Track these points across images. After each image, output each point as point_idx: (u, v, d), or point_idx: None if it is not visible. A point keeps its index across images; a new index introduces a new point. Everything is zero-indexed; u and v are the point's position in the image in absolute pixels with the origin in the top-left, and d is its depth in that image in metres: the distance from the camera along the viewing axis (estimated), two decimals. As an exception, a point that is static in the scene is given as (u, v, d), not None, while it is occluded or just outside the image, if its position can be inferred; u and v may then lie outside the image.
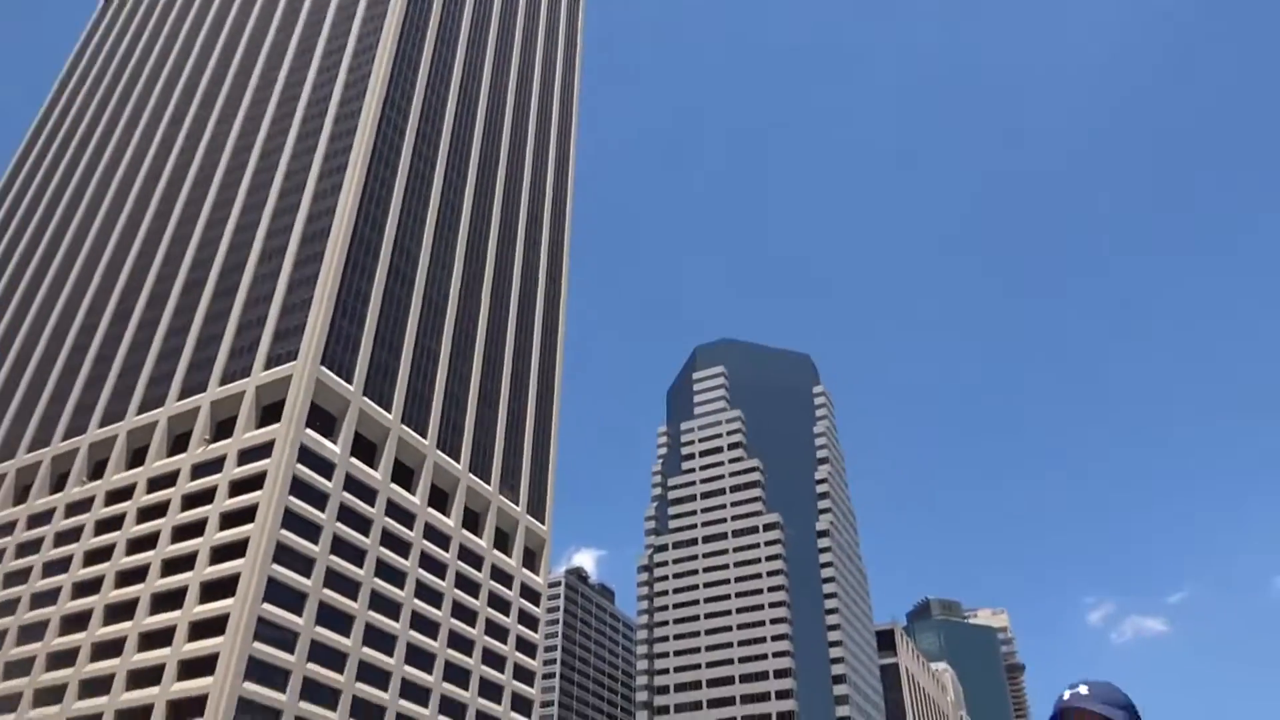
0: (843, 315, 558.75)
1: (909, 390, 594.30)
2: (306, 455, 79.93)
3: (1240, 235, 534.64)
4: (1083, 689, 2.45)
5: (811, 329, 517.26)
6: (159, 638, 73.39)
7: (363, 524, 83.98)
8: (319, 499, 79.89)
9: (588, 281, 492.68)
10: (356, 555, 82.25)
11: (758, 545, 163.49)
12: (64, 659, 77.14)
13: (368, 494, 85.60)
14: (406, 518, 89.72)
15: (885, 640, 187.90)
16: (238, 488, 78.60)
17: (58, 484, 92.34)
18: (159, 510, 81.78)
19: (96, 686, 73.73)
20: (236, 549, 74.57)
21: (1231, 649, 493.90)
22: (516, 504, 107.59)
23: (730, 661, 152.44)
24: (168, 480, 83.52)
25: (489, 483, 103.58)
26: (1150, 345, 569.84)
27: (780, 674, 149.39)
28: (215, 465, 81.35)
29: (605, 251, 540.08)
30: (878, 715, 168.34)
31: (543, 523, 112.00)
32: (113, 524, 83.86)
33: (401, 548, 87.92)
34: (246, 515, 76.05)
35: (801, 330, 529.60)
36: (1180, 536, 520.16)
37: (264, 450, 79.22)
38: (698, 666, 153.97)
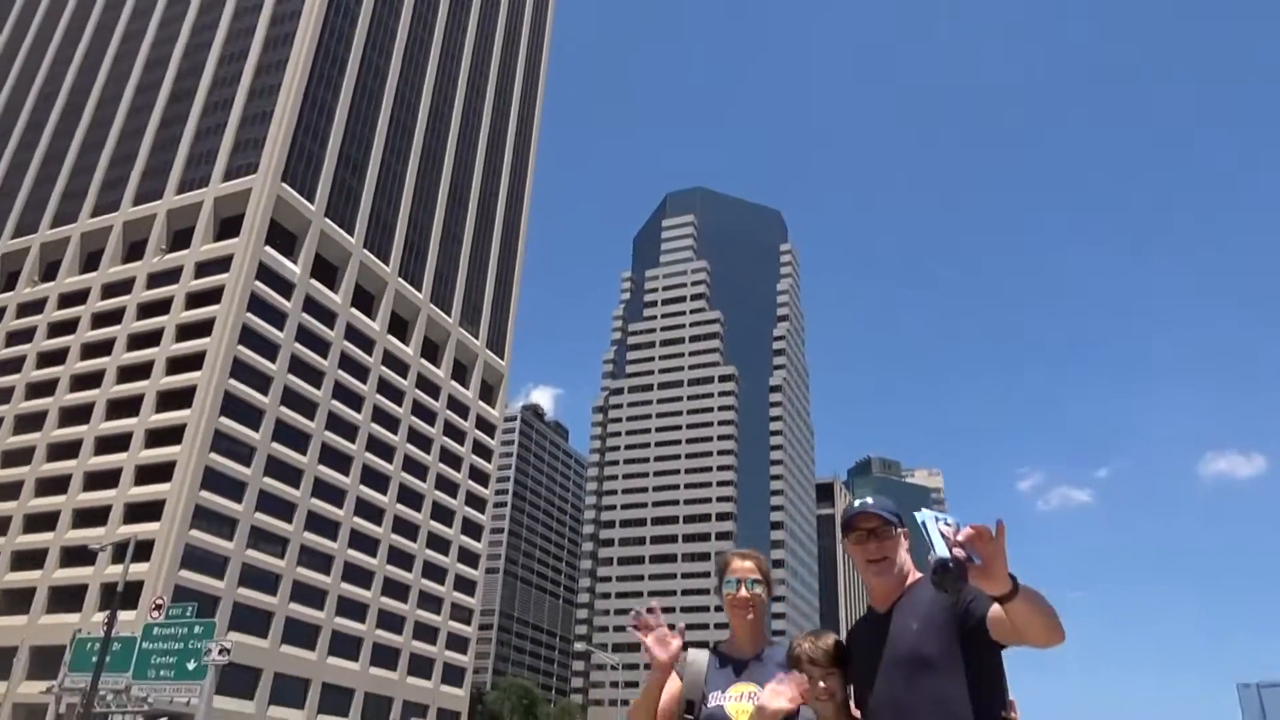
0: (815, 173, 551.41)
1: (872, 254, 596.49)
2: (265, 273, 78.80)
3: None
4: (869, 500, 2.92)
5: (783, 185, 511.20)
6: (115, 442, 74.00)
7: (321, 346, 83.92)
8: (277, 318, 79.35)
9: (561, 123, 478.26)
10: (314, 376, 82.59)
11: (711, 395, 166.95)
12: (19, 458, 77.70)
13: (327, 316, 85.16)
14: (365, 343, 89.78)
15: (825, 493, 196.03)
16: (195, 300, 77.69)
17: (7, 283, 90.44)
18: (114, 317, 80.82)
19: (52, 486, 74.72)
20: (193, 361, 74.39)
21: (1149, 524, 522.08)
22: (476, 338, 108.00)
23: (676, 503, 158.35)
24: (123, 288, 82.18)
25: (450, 315, 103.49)
26: (1107, 224, 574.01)
27: (722, 517, 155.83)
28: (172, 276, 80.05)
29: (581, 95, 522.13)
30: (810, 561, 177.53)
31: (502, 358, 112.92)
32: (66, 328, 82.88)
33: (360, 372, 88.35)
34: (203, 329, 75.50)
35: (773, 186, 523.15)
36: (1113, 412, 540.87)
37: (222, 264, 77.90)
38: (644, 505, 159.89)
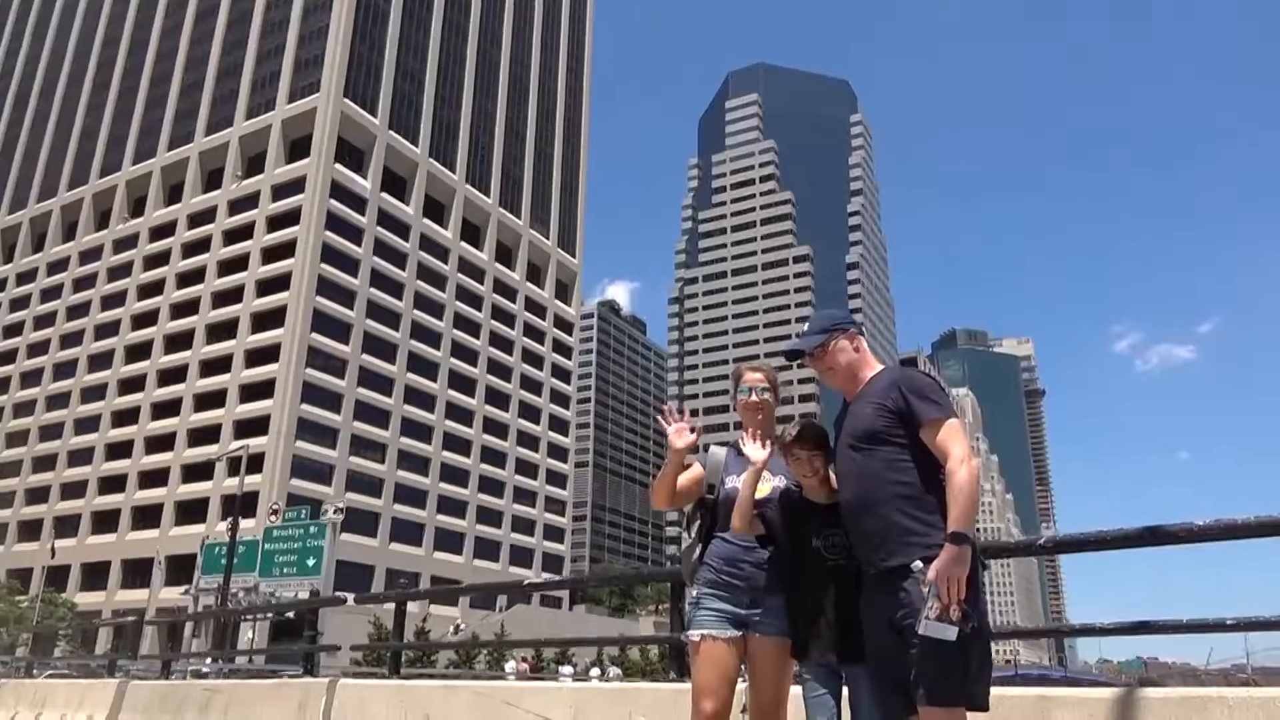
0: (882, 38, 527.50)
1: (948, 119, 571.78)
2: (338, 191, 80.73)
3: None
4: (794, 336, 3.34)
5: (849, 54, 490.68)
6: (217, 365, 78.28)
7: (398, 258, 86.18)
8: (354, 234, 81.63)
9: (615, 10, 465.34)
10: (394, 288, 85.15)
11: (786, 278, 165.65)
12: (133, 385, 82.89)
13: (401, 229, 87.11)
14: (440, 252, 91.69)
15: (908, 367, 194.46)
16: (275, 223, 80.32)
17: (101, 221, 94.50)
18: (201, 246, 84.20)
19: (165, 409, 79.76)
20: (280, 282, 77.47)
21: (1259, 379, 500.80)
22: (547, 238, 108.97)
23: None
24: (206, 216, 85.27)
25: (519, 217, 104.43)
26: (1190, 67, 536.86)
27: (804, 399, 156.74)
28: (251, 201, 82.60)
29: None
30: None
31: (574, 256, 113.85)
32: (159, 260, 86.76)
33: (437, 280, 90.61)
34: (287, 250, 78.25)
35: (839, 56, 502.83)
36: (1218, 265, 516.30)
37: (296, 186, 79.99)
38: (725, 393, 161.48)
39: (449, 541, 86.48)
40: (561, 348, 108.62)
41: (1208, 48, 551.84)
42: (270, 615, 39.85)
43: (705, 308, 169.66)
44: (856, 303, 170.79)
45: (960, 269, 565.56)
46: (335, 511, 34.68)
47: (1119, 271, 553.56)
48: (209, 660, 24.53)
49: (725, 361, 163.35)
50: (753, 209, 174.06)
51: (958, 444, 3.00)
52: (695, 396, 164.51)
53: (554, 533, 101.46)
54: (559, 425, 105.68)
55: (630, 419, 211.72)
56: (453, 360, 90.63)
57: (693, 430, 3.64)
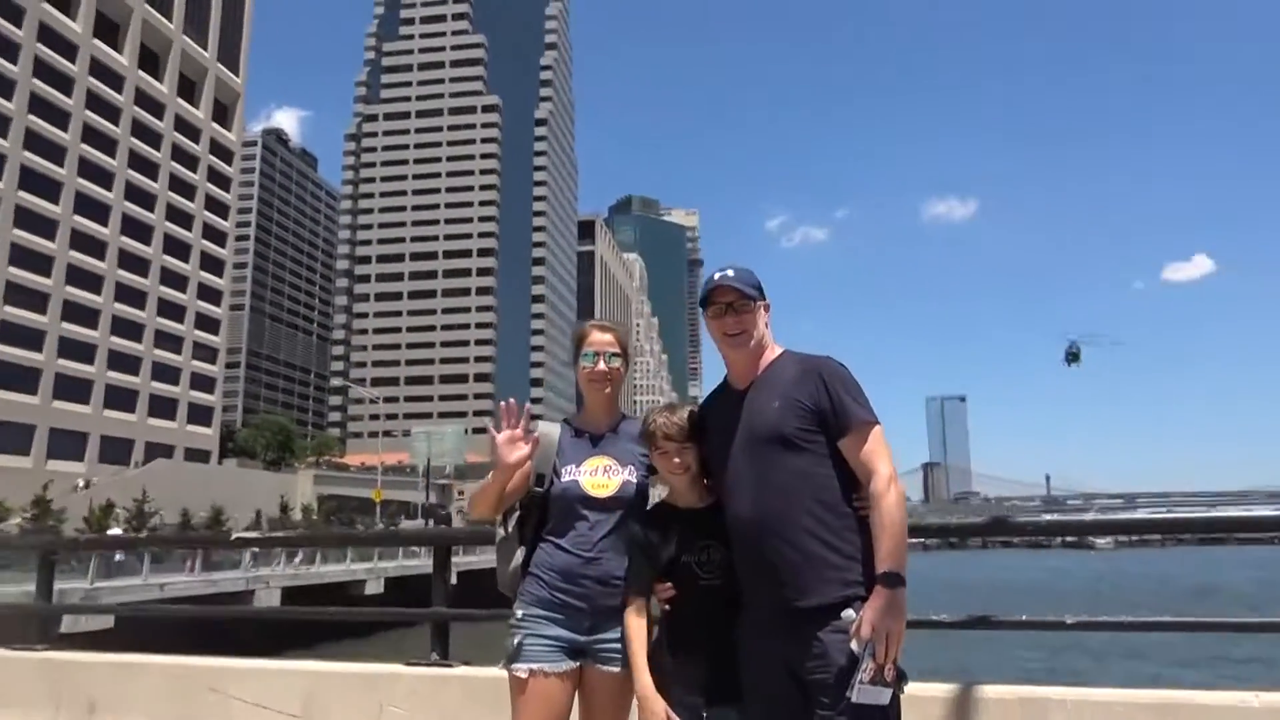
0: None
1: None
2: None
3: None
4: (730, 271, 2.75)
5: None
6: None
7: (7, 49, 70.68)
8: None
9: None
10: (3, 86, 70.16)
11: (474, 126, 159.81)
12: None
13: (11, 12, 71.10)
14: (65, 47, 76.46)
15: (586, 230, 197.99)
16: None
17: None
18: None
19: None
20: None
21: (877, 260, 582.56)
22: (205, 49, 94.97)
23: (435, 238, 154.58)
24: None
25: (170, 19, 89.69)
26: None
27: (484, 252, 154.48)
28: None
29: None
30: (570, 296, 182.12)
31: (236, 74, 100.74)
32: None
33: (61, 82, 75.81)
34: None
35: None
36: (854, 157, 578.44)
37: None
38: (402, 240, 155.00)
39: (74, 390, 75.64)
40: (218, 178, 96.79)
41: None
42: None
43: (385, 149, 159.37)
44: (542, 160, 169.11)
45: (640, 137, 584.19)
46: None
47: (778, 156, 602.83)
48: None
49: (404, 208, 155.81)
50: (443, 48, 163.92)
51: (885, 458, 2.54)
52: (369, 243, 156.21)
53: (203, 382, 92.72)
54: (213, 265, 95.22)
55: (295, 261, 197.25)
56: (80, 181, 77.30)
57: (528, 440, 2.85)
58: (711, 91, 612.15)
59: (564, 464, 2.93)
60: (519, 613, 2.85)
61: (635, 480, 2.91)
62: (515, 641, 2.81)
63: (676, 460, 2.77)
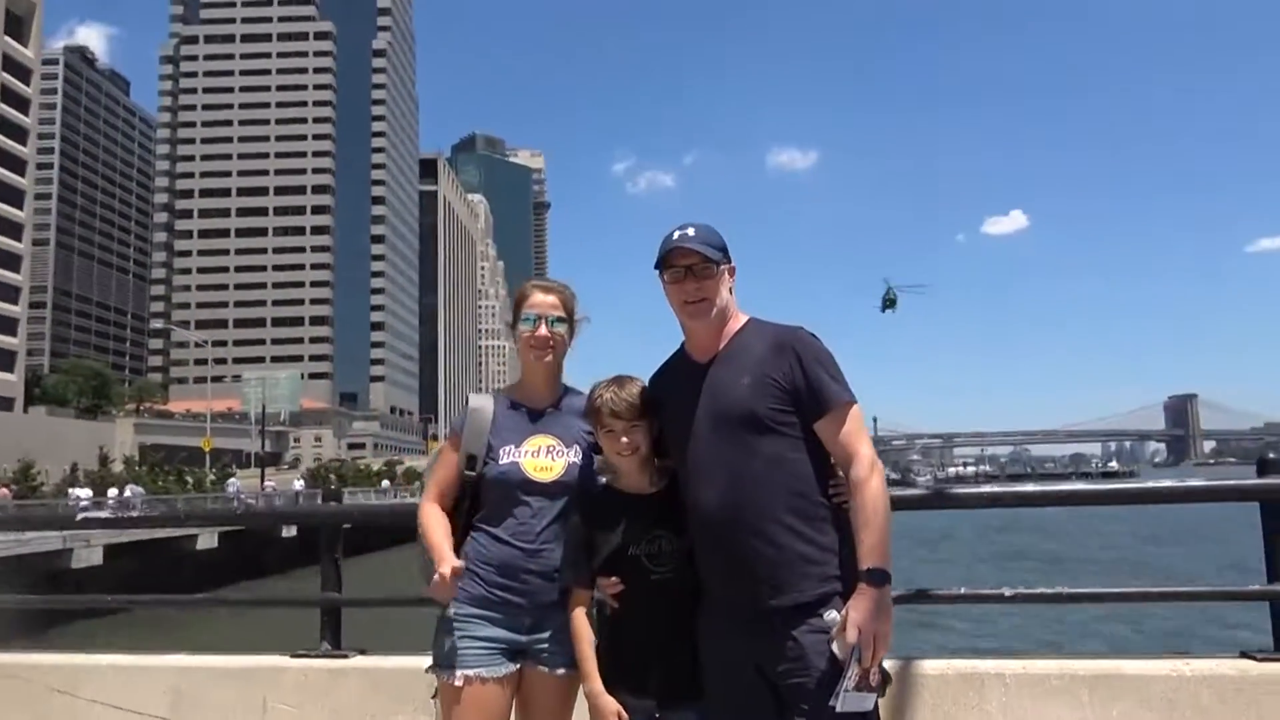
0: None
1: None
2: None
3: None
4: (690, 230, 2.48)
5: None
6: None
7: None
8: None
9: None
10: None
11: (306, 54, 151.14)
12: None
13: None
14: None
15: (428, 168, 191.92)
16: None
17: None
18: None
19: None
20: None
21: (723, 207, 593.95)
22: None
23: (266, 173, 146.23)
24: None
25: (-51, -85, 80.00)
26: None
27: (319, 190, 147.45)
28: None
29: None
30: (411, 237, 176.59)
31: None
32: None
33: None
34: None
35: None
36: (703, 101, 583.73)
37: None
38: (229, 174, 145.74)
39: None
40: (14, 98, 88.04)
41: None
42: None
43: (207, 74, 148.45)
44: (380, 94, 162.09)
45: (485, 74, 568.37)
46: None
47: (627, 98, 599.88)
48: None
49: (229, 139, 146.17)
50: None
51: (866, 440, 2.34)
52: (190, 175, 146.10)
53: (4, 324, 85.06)
54: (11, 195, 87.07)
55: (108, 193, 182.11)
56: None
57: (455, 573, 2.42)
58: (559, 29, 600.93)
59: (501, 443, 2.61)
60: (450, 610, 2.54)
61: (580, 462, 2.62)
62: (447, 645, 2.52)
63: (625, 440, 2.51)
